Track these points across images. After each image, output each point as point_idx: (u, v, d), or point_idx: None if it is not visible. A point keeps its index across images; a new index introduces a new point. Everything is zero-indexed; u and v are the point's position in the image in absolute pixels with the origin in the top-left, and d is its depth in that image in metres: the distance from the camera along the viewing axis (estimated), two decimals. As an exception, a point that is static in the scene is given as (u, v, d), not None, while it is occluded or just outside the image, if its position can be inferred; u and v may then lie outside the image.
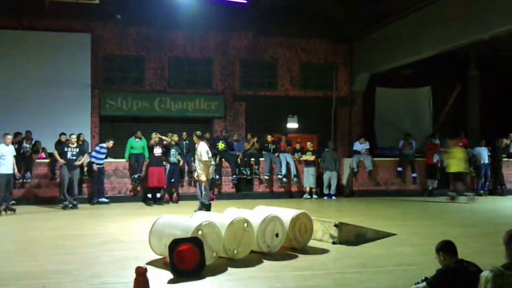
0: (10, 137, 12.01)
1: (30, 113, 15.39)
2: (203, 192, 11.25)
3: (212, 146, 14.68)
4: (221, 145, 15.09)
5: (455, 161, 14.44)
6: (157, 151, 13.86)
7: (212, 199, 14.29)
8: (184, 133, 14.94)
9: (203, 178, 10.98)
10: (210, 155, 11.24)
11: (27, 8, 15.31)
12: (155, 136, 14.03)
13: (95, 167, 13.73)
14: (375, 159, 16.30)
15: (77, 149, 13.00)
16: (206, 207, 11.21)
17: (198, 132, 11.29)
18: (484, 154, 16.47)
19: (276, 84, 18.30)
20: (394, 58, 16.30)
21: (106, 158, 14.15)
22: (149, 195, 13.88)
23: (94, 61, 16.57)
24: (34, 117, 15.25)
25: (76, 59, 16.24)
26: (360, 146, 16.25)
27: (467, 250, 6.34)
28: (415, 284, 4.50)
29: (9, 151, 11.83)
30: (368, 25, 17.05)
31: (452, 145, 14.88)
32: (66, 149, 12.92)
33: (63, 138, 13.82)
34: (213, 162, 11.87)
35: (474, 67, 18.98)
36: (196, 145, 11.12)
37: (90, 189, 14.13)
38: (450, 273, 4.36)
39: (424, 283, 4.41)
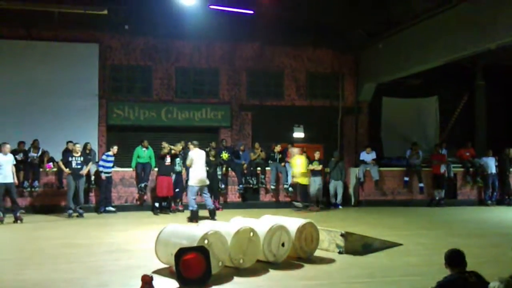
0: (8, 146, 12.01)
1: (37, 122, 15.51)
2: None
3: (218, 156, 14.75)
4: (224, 155, 15.10)
5: (296, 171, 14.19)
6: (167, 160, 13.89)
7: (218, 209, 14.34)
8: (190, 143, 14.94)
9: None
10: (190, 163, 12.09)
11: (36, 18, 15.46)
12: (166, 146, 14.02)
13: (103, 176, 13.79)
14: (381, 169, 16.25)
15: (81, 158, 13.06)
16: (191, 213, 12.06)
17: (195, 142, 12.55)
18: (491, 164, 16.39)
19: (283, 93, 18.35)
20: (400, 68, 16.31)
21: (113, 166, 14.20)
22: (157, 204, 13.87)
23: (102, 71, 16.70)
24: (42, 126, 15.35)
25: (84, 69, 16.36)
26: (367, 156, 16.21)
27: (474, 261, 6.30)
28: None
29: (7, 160, 11.77)
30: (375, 35, 17.10)
31: (294, 154, 14.39)
32: (70, 158, 12.98)
33: (70, 146, 13.87)
34: (203, 174, 12.23)
35: (481, 77, 18.96)
36: None
37: (97, 198, 14.18)
38: (449, 286, 4.36)
39: None
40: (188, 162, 12.27)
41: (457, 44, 13.56)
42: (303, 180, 14.22)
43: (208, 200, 12.33)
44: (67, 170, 12.91)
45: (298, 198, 14.53)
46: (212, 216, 12.02)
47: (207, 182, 12.38)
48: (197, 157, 12.13)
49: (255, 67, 18.05)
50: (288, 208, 14.75)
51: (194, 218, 11.88)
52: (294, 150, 14.65)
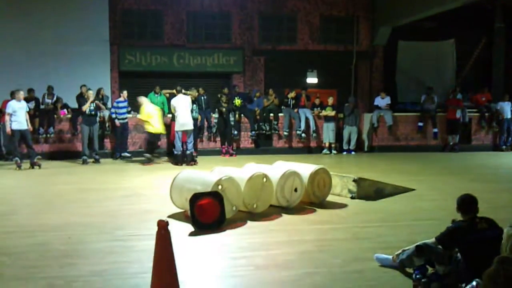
0: (22, 92, 12.06)
1: (50, 68, 15.46)
2: None
3: (230, 102, 14.67)
4: (237, 102, 14.97)
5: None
6: None
7: (232, 154, 14.45)
8: (201, 89, 14.85)
9: None
10: (173, 110, 12.51)
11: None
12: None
13: (117, 123, 13.83)
14: (396, 114, 16.11)
15: (94, 105, 13.06)
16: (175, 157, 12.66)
17: (178, 87, 12.84)
18: (507, 109, 16.14)
19: (296, 37, 18.01)
20: (416, 10, 15.83)
21: (129, 112, 14.19)
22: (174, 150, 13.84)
23: (112, 16, 16.45)
24: (54, 73, 15.32)
25: (94, 14, 16.12)
26: (381, 101, 16.04)
27: (488, 206, 6.32)
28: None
29: (21, 107, 11.83)
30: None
31: (144, 101, 13.04)
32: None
33: (83, 90, 13.81)
34: (185, 119, 12.39)
35: (500, 19, 18.37)
36: None
37: (113, 144, 14.31)
38: (458, 231, 4.36)
39: (433, 239, 4.47)
40: (171, 109, 12.73)
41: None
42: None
43: (190, 145, 12.68)
44: (85, 106, 12.77)
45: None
46: (188, 161, 12.54)
47: (190, 128, 12.57)
48: (179, 103, 12.42)
49: (268, 10, 17.65)
50: (300, 153, 14.80)
51: (178, 162, 12.48)
52: (141, 99, 13.26)
